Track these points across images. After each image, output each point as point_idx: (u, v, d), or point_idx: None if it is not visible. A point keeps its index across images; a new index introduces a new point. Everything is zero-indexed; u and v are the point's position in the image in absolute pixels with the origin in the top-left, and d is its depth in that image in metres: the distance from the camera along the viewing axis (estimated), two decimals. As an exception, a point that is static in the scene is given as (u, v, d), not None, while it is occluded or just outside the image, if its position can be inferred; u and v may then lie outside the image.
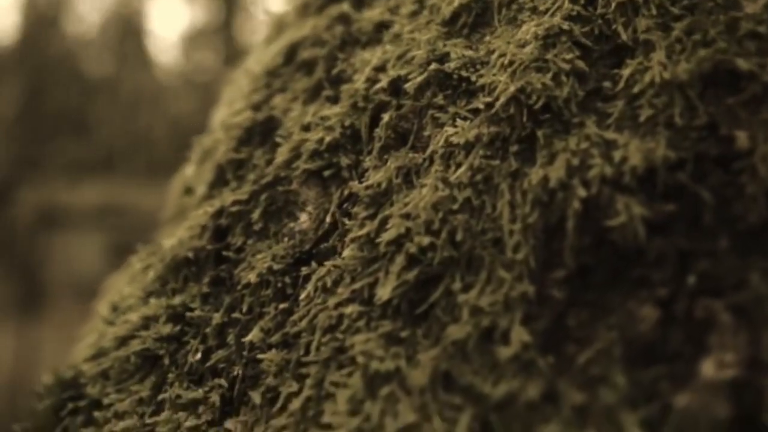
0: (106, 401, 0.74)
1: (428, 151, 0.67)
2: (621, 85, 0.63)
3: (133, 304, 0.80)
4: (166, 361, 0.71)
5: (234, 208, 0.77)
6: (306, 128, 0.77)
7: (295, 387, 0.60)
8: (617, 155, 0.59)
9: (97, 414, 0.73)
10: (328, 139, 0.74)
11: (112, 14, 17.48)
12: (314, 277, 0.66)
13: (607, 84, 0.64)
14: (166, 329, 0.73)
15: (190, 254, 0.79)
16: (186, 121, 17.55)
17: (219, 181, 0.84)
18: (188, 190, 0.93)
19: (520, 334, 0.55)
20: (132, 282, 0.84)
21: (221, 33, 17.36)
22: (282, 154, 0.76)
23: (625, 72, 0.63)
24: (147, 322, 0.76)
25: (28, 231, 12.49)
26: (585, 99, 0.63)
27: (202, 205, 0.83)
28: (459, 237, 0.60)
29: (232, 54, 16.03)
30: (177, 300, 0.75)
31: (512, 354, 0.54)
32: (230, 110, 0.88)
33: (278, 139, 0.78)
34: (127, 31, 17.86)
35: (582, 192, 0.58)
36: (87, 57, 17.39)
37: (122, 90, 17.19)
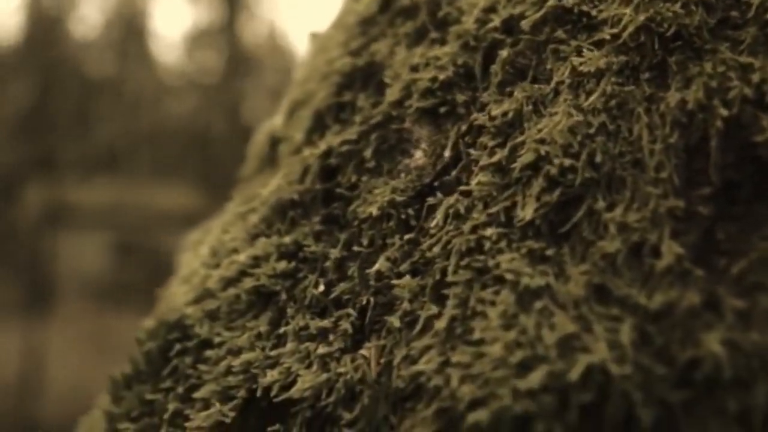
0: (217, 340, 0.74)
1: (552, 83, 0.68)
2: (751, 12, 0.63)
3: (237, 246, 0.80)
4: (283, 296, 0.72)
5: (343, 148, 0.78)
6: (415, 69, 0.77)
7: (434, 310, 0.61)
8: (755, 77, 0.59)
9: (209, 353, 0.74)
10: (441, 77, 0.74)
11: (115, 14, 17.53)
12: (443, 207, 0.66)
13: (734, 13, 0.64)
14: (281, 266, 0.73)
15: (295, 196, 0.79)
16: (189, 120, 17.59)
17: (318, 127, 0.84)
18: (278, 141, 0.94)
19: (671, 247, 0.55)
20: (231, 228, 0.85)
21: (224, 33, 17.40)
22: (392, 95, 0.77)
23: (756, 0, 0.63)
24: (257, 262, 0.76)
25: (34, 230, 12.51)
26: (715, 27, 0.64)
27: (302, 150, 0.84)
28: (598, 159, 0.61)
29: (235, 54, 16.05)
30: (288, 239, 0.75)
31: (666, 265, 0.55)
32: (325, 58, 0.89)
33: (387, 80, 0.78)
34: (130, 31, 17.91)
35: (723, 111, 0.59)
36: (90, 57, 17.43)
37: (125, 90, 17.22)
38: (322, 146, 0.80)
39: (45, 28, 15.85)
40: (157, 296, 1.00)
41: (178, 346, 0.77)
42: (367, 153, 0.76)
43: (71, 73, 15.61)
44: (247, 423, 0.67)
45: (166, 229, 18.85)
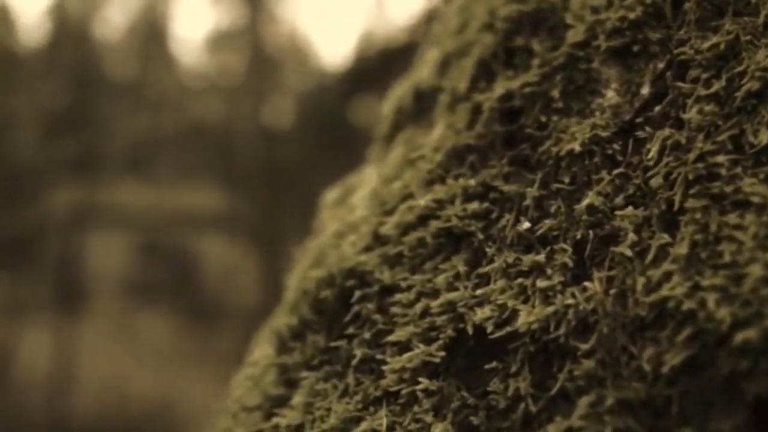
0: (403, 284, 0.73)
1: (761, 16, 0.66)
2: None
3: (412, 192, 0.79)
4: (479, 236, 0.71)
5: (526, 91, 0.77)
6: (597, 10, 0.76)
7: (667, 238, 0.59)
8: None
9: (397, 297, 0.73)
10: (631, 17, 0.73)
11: (137, 18, 17.62)
12: (657, 140, 0.65)
13: None
14: (472, 207, 0.72)
15: (471, 141, 0.79)
16: (212, 122, 17.66)
17: (484, 74, 0.83)
18: (425, 94, 0.93)
19: None
20: (397, 177, 0.84)
21: (245, 35, 17.46)
22: (575, 36, 0.76)
23: None
24: (441, 205, 0.75)
25: (62, 230, 12.59)
26: None
27: (469, 98, 0.83)
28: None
29: (257, 55, 16.10)
30: (473, 182, 0.74)
31: None
32: (485, 8, 0.88)
33: (569, 22, 0.77)
34: (152, 34, 18.00)
35: None
36: (113, 60, 17.53)
37: (148, 92, 17.30)
38: (498, 90, 0.79)
39: (69, 31, 15.96)
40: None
41: (358, 293, 0.76)
42: (555, 93, 0.75)
43: (96, 75, 15.71)
44: (454, 362, 0.66)
45: (190, 230, 18.94)
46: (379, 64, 18.86)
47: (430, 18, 18.98)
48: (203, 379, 16.05)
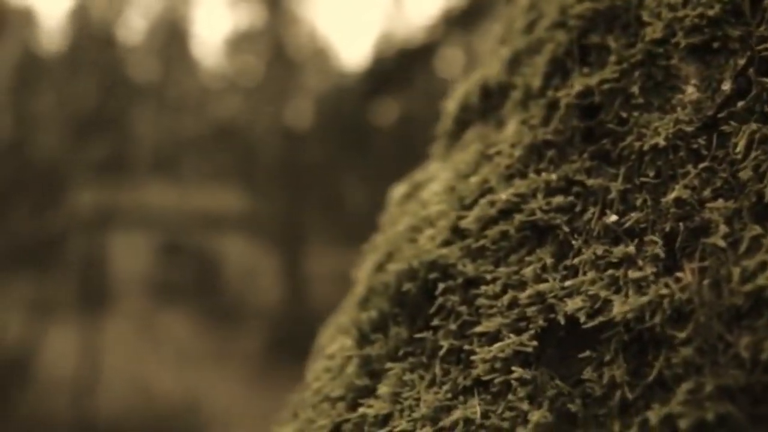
0: (488, 277, 0.75)
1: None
2: None
3: (492, 186, 0.81)
4: (565, 229, 0.72)
5: (604, 87, 0.78)
6: (674, 8, 0.77)
7: (758, 230, 0.61)
8: None
9: (483, 288, 0.74)
10: (709, 14, 0.74)
11: (159, 20, 17.72)
12: (743, 134, 0.67)
13: None
14: (557, 200, 0.74)
15: (549, 136, 0.80)
16: (232, 123, 17.72)
17: (558, 71, 0.85)
18: (494, 91, 0.95)
19: None
20: (474, 172, 0.86)
21: (265, 36, 17.53)
22: (653, 33, 0.77)
23: None
24: (523, 199, 0.77)
25: (86, 231, 12.69)
26: None
27: (543, 94, 0.85)
28: None
29: (277, 56, 16.14)
30: (554, 176, 0.76)
31: None
32: (557, 6, 0.89)
33: (646, 19, 0.79)
34: (173, 36, 18.10)
35: None
36: (136, 62, 17.64)
37: (169, 93, 17.41)
38: (577, 87, 0.80)
39: (93, 34, 16.07)
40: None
41: (441, 286, 0.78)
42: (634, 90, 0.76)
43: (116, 77, 15.81)
44: (545, 352, 0.68)
45: (212, 230, 19.01)
46: (398, 64, 18.87)
47: (448, 18, 18.93)
48: (225, 377, 16.12)
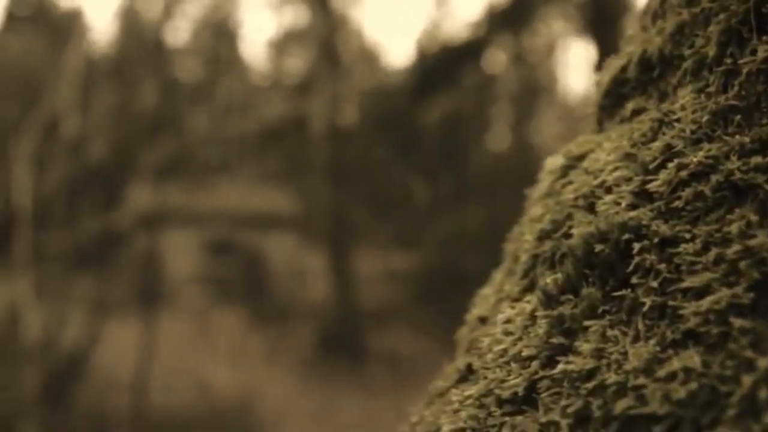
0: (687, 236, 0.77)
1: None
2: None
3: (679, 151, 0.83)
4: (766, 187, 0.74)
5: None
6: None
7: None
8: None
9: (683, 246, 0.77)
10: None
11: (205, 20, 17.95)
12: None
13: None
14: (755, 160, 0.76)
15: (733, 102, 0.83)
16: (280, 123, 17.87)
17: (734, 40, 0.88)
18: (654, 64, 0.98)
19: None
20: (652, 139, 0.88)
21: (313, 36, 17.65)
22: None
23: None
24: (716, 161, 0.79)
25: (139, 230, 12.90)
26: None
27: (720, 63, 0.87)
28: None
29: (325, 56, 16.25)
30: (747, 138, 0.78)
31: None
32: None
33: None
34: (219, 36, 18.31)
35: None
36: (181, 62, 17.88)
37: (217, 94, 17.61)
38: (761, 54, 0.82)
39: (138, 34, 16.32)
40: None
41: (636, 246, 0.80)
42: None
43: (164, 78, 16.03)
44: (760, 304, 0.70)
45: (261, 230, 19.17)
46: (444, 62, 18.89)
47: (492, 16, 18.75)
48: (276, 373, 16.26)
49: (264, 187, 18.80)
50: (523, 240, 1.05)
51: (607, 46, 21.62)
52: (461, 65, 22.08)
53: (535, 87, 24.66)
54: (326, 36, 16.07)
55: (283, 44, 18.65)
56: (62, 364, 9.36)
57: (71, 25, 14.94)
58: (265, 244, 22.68)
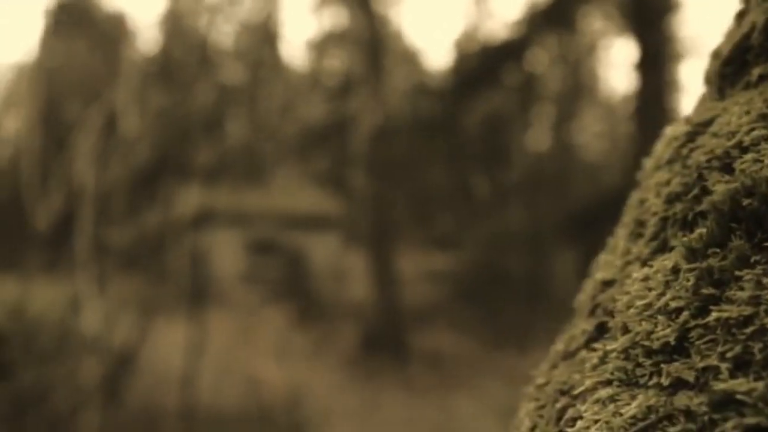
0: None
1: None
2: None
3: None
4: None
5: None
6: None
7: None
8: None
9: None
10: None
11: (247, 22, 18.11)
12: None
13: None
14: None
15: None
16: (321, 124, 17.98)
17: None
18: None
19: None
20: None
21: (354, 37, 17.72)
22: None
23: None
24: None
25: (185, 230, 13.07)
26: None
27: None
28: None
29: (367, 58, 16.31)
30: None
31: None
32: None
33: None
34: (261, 38, 18.47)
35: None
36: (224, 64, 18.06)
37: (259, 95, 17.77)
38: None
39: (180, 37, 16.53)
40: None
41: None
42: None
43: (207, 81, 16.20)
44: None
45: (302, 229, 19.28)
46: (484, 62, 18.87)
47: (532, 15, 18.65)
48: (322, 371, 16.36)
49: (307, 188, 18.93)
50: (647, 205, 1.08)
51: (649, 44, 21.42)
52: (502, 65, 22.07)
53: (576, 86, 24.51)
54: (367, 37, 16.13)
55: (323, 45, 18.75)
56: (115, 360, 9.53)
57: (117, 28, 15.17)
58: (308, 243, 22.84)
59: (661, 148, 1.15)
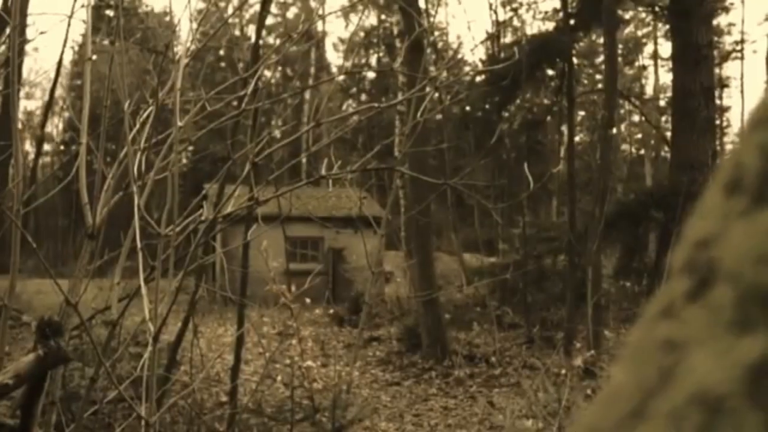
0: None
1: None
2: None
3: None
4: None
5: None
6: None
7: None
8: None
9: None
10: None
11: (290, 24, 18.22)
12: None
13: None
14: None
15: None
16: (364, 125, 17.96)
17: None
18: None
19: None
20: None
21: (396, 34, 17.73)
22: None
23: None
24: None
25: (225, 229, 13.17)
26: None
27: None
28: None
29: (412, 57, 16.32)
30: None
31: None
32: None
33: None
34: (306, 40, 18.56)
35: None
36: (268, 67, 18.18)
37: (301, 96, 17.84)
38: None
39: (224, 38, 16.65)
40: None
41: None
42: None
43: (256, 81, 16.27)
44: None
45: (344, 229, 19.33)
46: (526, 58, 18.77)
47: (570, 16, 18.45)
48: (363, 369, 16.42)
49: (350, 188, 19.01)
50: (744, 166, 1.09)
51: (686, 39, 21.13)
52: (543, 62, 21.95)
53: (615, 81, 24.19)
54: (409, 34, 16.14)
55: (365, 43, 18.78)
56: (165, 356, 9.66)
57: (162, 25, 15.35)
58: (350, 243, 22.94)
59: (760, 108, 1.16)
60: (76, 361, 9.52)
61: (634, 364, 1.11)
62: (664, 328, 1.06)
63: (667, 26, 27.88)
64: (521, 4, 29.47)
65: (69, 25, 4.80)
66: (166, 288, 4.13)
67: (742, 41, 38.11)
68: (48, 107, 18.77)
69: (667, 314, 1.13)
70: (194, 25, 4.75)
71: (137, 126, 4.57)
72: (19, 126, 3.43)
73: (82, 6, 6.68)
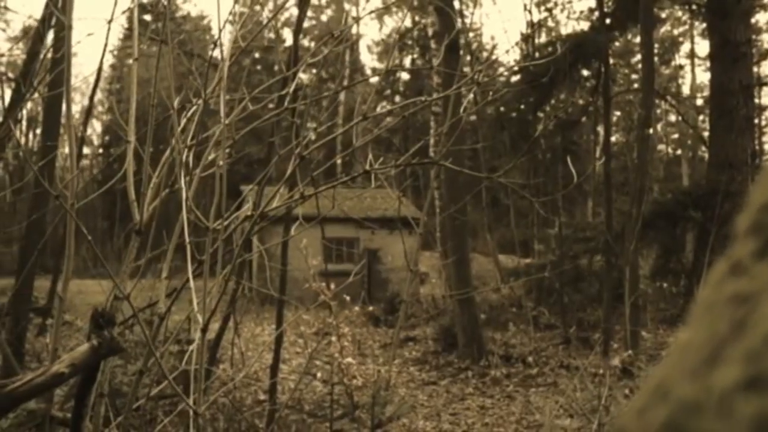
0: None
1: None
2: None
3: None
4: None
5: None
6: None
7: None
8: None
9: None
10: None
11: (324, 26, 18.33)
12: None
13: None
14: None
15: None
16: (400, 127, 17.96)
17: None
18: None
19: None
20: None
21: (434, 39, 17.79)
22: None
23: None
24: None
25: (263, 229, 13.31)
26: None
27: None
28: None
29: (449, 58, 16.35)
30: None
31: None
32: None
33: None
34: (339, 41, 18.68)
35: None
36: (305, 68, 18.32)
37: (336, 98, 17.94)
38: None
39: (258, 41, 16.82)
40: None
41: None
42: None
43: (293, 83, 16.41)
44: None
45: (379, 230, 19.38)
46: (561, 58, 18.71)
47: (604, 17, 18.35)
48: (399, 368, 16.45)
49: (385, 188, 19.08)
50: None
51: (724, 37, 20.89)
52: (579, 62, 21.86)
53: (654, 82, 24.01)
54: (445, 34, 16.18)
55: (400, 45, 18.83)
56: (206, 354, 9.81)
57: (200, 28, 15.53)
58: (385, 244, 23.03)
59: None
60: (120, 358, 9.70)
61: (705, 319, 1.16)
62: (733, 285, 1.11)
63: (704, 24, 27.56)
64: (556, 4, 29.32)
65: (109, 29, 4.89)
66: (214, 282, 4.21)
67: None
68: (89, 110, 19.05)
69: (736, 272, 1.18)
70: (237, 27, 4.85)
71: (183, 123, 4.69)
72: (69, 123, 3.54)
73: (122, 12, 6.82)
